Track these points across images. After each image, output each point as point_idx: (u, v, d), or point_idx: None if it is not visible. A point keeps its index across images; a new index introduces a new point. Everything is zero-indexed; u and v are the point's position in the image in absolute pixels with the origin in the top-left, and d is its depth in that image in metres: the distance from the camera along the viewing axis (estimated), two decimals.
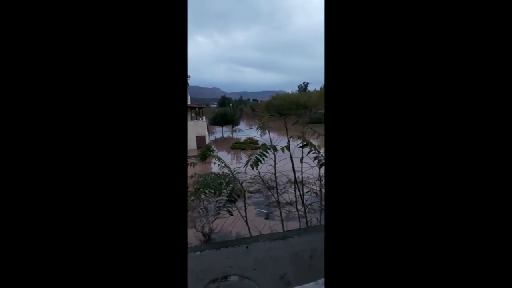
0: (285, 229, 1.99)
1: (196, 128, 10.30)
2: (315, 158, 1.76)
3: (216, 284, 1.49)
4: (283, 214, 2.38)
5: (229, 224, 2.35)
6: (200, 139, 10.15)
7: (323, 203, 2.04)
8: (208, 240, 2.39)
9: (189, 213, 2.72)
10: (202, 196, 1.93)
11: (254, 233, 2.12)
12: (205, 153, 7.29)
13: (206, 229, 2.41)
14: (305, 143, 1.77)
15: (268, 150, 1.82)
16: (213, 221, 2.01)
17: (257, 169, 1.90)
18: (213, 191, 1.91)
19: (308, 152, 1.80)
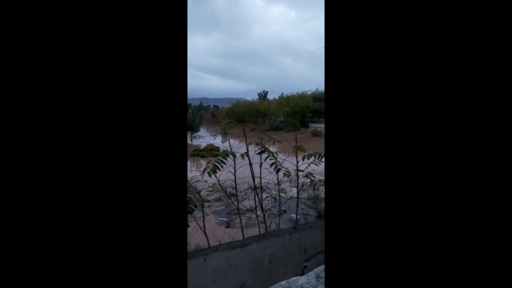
0: (245, 236, 1.98)
1: None
2: (272, 164, 1.80)
3: None
4: (244, 221, 2.36)
5: (188, 235, 2.24)
6: None
7: (282, 208, 2.09)
8: None
9: None
10: None
11: (214, 243, 2.05)
12: None
13: None
14: (262, 149, 1.81)
15: (227, 157, 1.80)
16: None
17: (216, 176, 1.87)
18: None
19: (266, 158, 1.84)
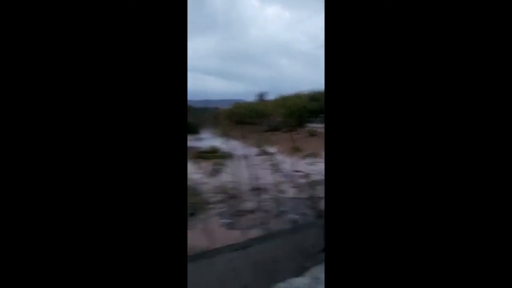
0: (248, 238, 2.00)
1: None
2: (271, 165, 1.82)
3: None
4: (246, 223, 2.38)
5: (194, 238, 2.26)
6: None
7: (282, 208, 2.10)
8: None
9: None
10: None
11: (217, 245, 2.08)
12: None
13: None
14: (261, 151, 1.83)
15: (228, 160, 1.83)
16: None
17: (218, 179, 1.89)
18: None
19: (266, 160, 1.86)
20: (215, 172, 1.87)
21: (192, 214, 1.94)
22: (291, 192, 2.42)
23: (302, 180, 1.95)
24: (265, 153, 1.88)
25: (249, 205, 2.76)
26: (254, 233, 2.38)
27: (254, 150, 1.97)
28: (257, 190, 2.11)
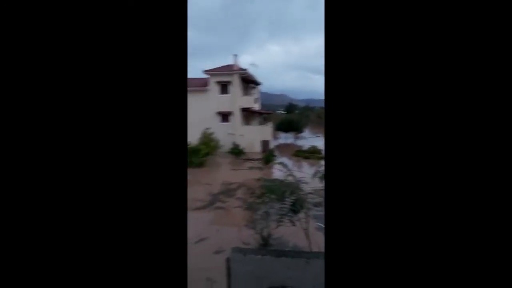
0: None
1: (260, 133, 10.81)
2: None
3: None
4: None
5: (288, 233, 2.33)
6: (264, 144, 10.57)
7: None
8: (266, 244, 2.44)
9: (250, 214, 2.85)
10: (267, 200, 1.98)
11: (313, 248, 2.03)
12: (268, 157, 7.51)
13: (265, 233, 2.45)
14: None
15: None
16: (276, 228, 2.04)
17: (322, 182, 1.83)
18: (276, 198, 1.94)
19: None
20: (318, 173, 1.81)
21: (295, 211, 1.98)
22: None
23: None
24: None
25: None
26: None
27: None
28: None
